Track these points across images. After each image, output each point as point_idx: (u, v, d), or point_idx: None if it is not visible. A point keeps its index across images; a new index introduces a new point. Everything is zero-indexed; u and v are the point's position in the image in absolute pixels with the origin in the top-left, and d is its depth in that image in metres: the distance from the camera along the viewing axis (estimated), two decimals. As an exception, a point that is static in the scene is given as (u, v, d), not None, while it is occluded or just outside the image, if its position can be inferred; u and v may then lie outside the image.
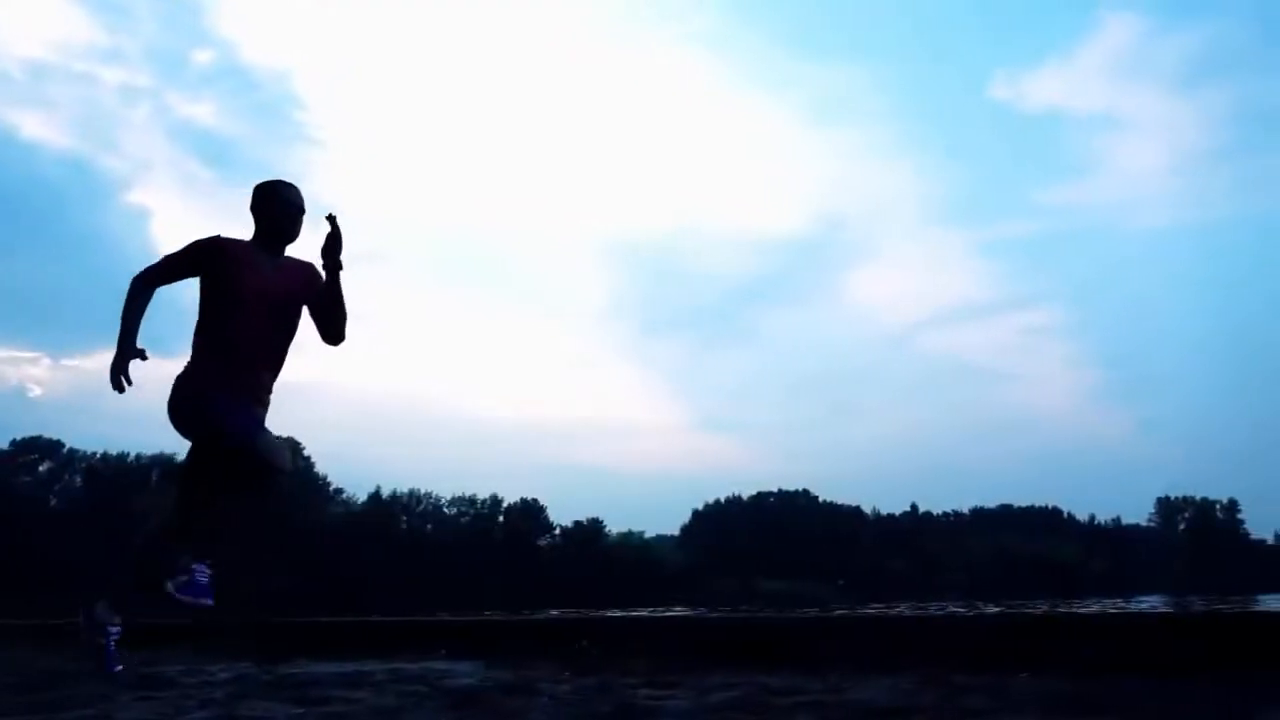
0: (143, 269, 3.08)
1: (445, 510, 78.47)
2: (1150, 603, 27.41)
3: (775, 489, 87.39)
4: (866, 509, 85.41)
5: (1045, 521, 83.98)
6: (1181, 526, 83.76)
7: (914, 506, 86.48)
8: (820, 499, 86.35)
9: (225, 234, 3.12)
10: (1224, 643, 2.07)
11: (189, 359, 3.07)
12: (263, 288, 3.08)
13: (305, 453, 66.27)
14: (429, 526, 75.87)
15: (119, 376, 2.92)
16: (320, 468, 68.31)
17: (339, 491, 70.58)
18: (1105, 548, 78.73)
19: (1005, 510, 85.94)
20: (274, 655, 3.06)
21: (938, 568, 71.74)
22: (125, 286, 3.04)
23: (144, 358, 2.98)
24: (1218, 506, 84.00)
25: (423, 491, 77.00)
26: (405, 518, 74.98)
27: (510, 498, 79.45)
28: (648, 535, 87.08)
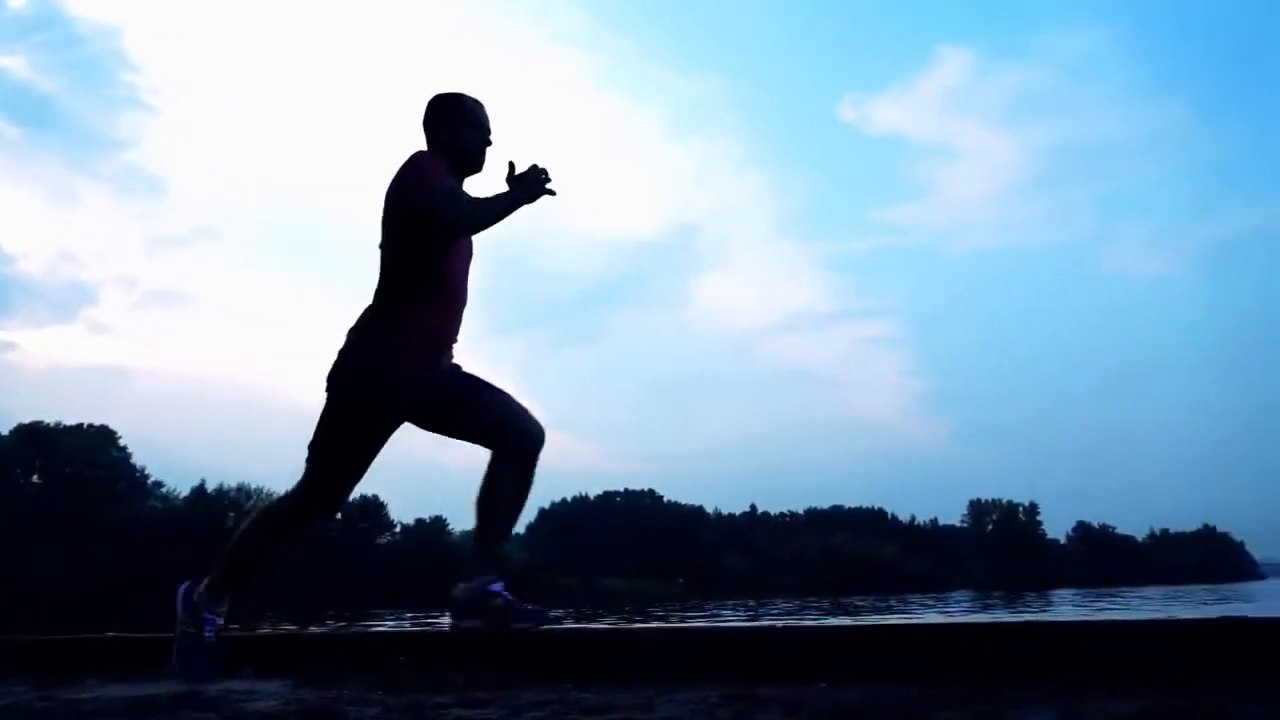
0: (449, 210, 2.33)
1: (277, 506, 74.67)
2: (958, 598, 29.78)
3: (622, 488, 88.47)
4: (709, 509, 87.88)
5: (871, 521, 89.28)
6: (989, 527, 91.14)
7: (753, 507, 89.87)
8: (665, 499, 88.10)
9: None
10: (1007, 651, 2.25)
11: (385, 304, 2.40)
12: None
13: (121, 442, 61.27)
14: (258, 524, 71.86)
15: (536, 182, 2.30)
16: (138, 458, 63.32)
17: (158, 485, 65.64)
18: (923, 547, 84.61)
19: (836, 510, 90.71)
20: (56, 675, 2.81)
21: (772, 566, 74.78)
22: None
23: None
24: (1020, 509, 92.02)
25: (254, 486, 72.96)
26: (233, 514, 70.72)
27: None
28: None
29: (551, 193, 2.28)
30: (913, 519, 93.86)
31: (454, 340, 2.51)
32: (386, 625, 13.35)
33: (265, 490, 73.31)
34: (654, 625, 4.09)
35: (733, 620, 14.00)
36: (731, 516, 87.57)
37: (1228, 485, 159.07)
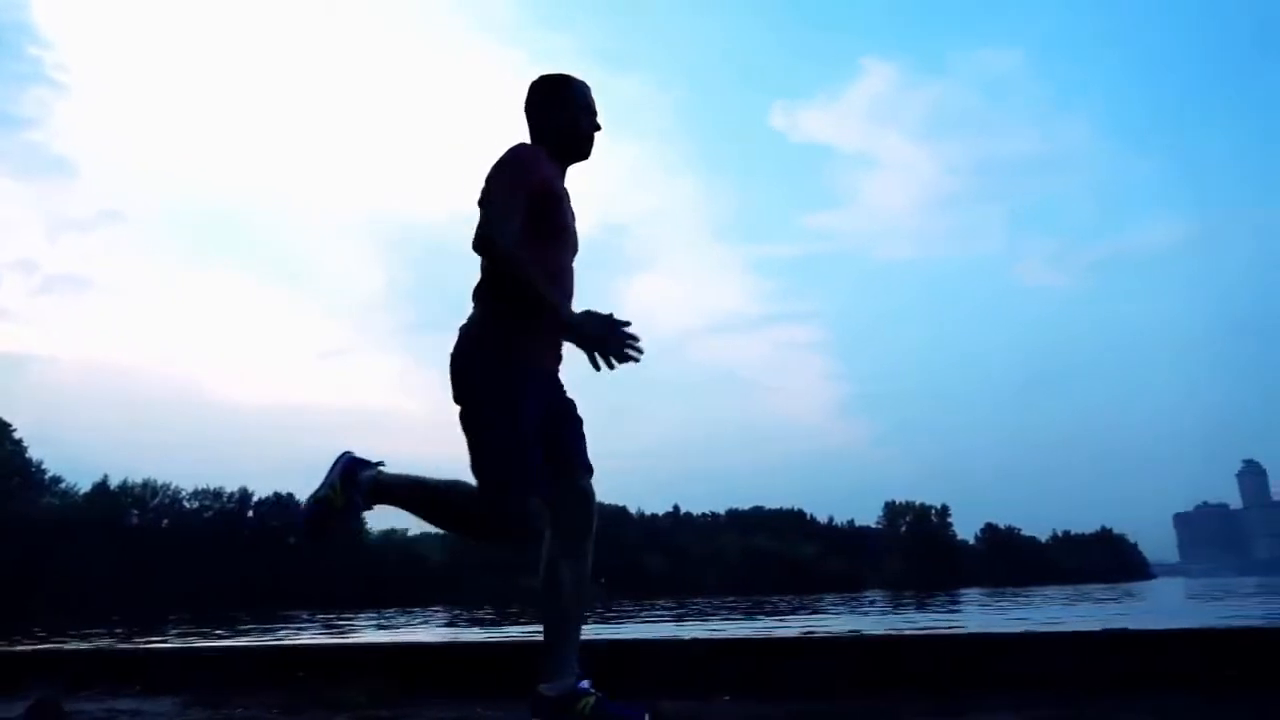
0: (487, 232, 2.06)
1: (186, 504, 71.97)
2: (871, 598, 30.51)
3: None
4: (632, 509, 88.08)
5: (791, 522, 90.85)
6: (903, 528, 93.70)
7: (676, 507, 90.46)
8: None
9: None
10: (914, 663, 2.30)
11: (496, 302, 2.15)
12: (571, 218, 2.32)
13: (16, 435, 58.14)
14: (165, 522, 69.08)
15: (618, 338, 2.02)
16: (34, 452, 60.18)
17: (56, 480, 62.49)
18: (840, 547, 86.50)
19: (757, 512, 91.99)
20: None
21: (694, 566, 75.40)
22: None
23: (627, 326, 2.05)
24: (933, 511, 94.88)
25: (159, 482, 70.26)
26: (137, 511, 67.81)
27: (262, 491, 74.27)
28: (411, 533, 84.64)
29: (610, 363, 2.03)
30: (831, 520, 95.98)
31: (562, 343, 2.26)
32: (294, 632, 12.99)
33: (173, 487, 70.54)
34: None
35: (655, 623, 14.06)
36: (655, 517, 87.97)
37: (1123, 491, 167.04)
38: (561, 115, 2.29)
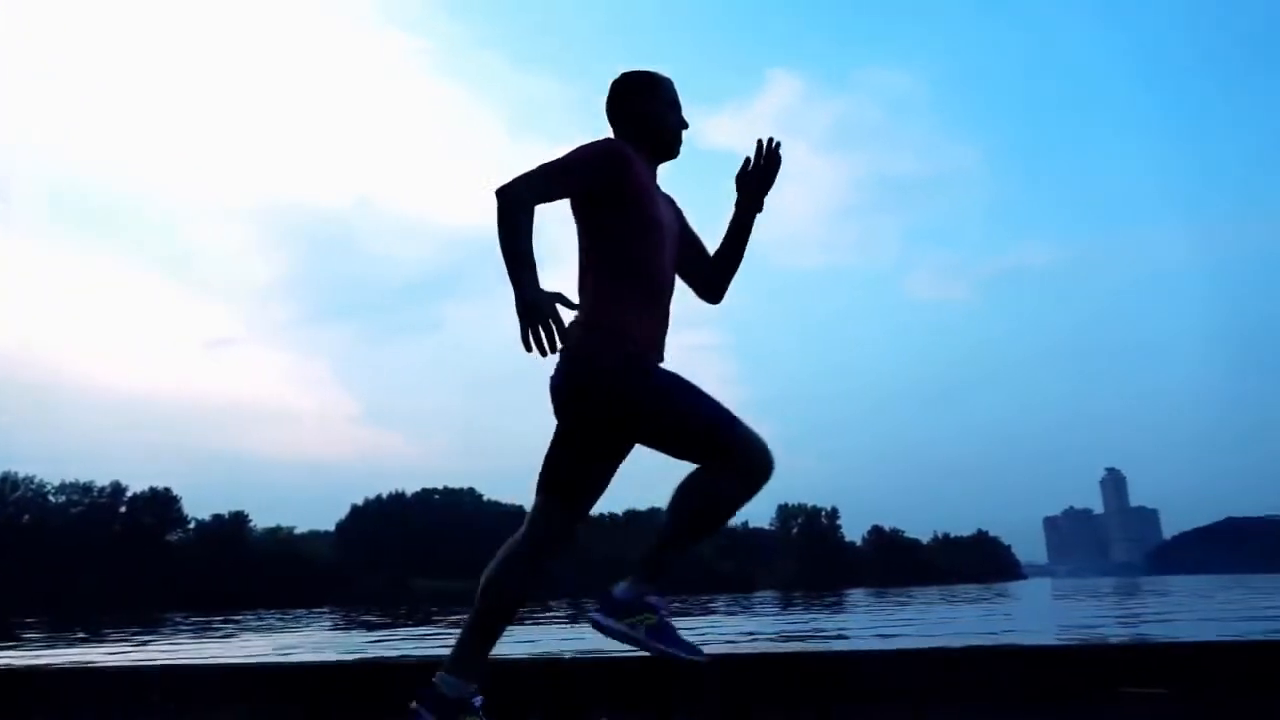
0: (512, 180, 2.00)
1: (51, 499, 67.50)
2: (761, 598, 31.16)
3: (441, 486, 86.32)
4: (529, 508, 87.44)
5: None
6: (795, 530, 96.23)
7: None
8: (485, 497, 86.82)
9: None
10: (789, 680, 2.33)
11: (592, 302, 2.09)
12: (663, 215, 2.22)
13: None
14: (26, 517, 64.53)
15: (539, 331, 1.88)
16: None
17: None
18: (734, 548, 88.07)
19: (654, 512, 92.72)
20: None
21: (591, 566, 75.35)
22: None
23: (568, 304, 1.97)
24: (823, 513, 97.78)
25: (21, 475, 65.69)
26: (-7, 507, 63.24)
27: (136, 486, 70.34)
28: (299, 531, 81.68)
29: (529, 347, 1.92)
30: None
31: (664, 340, 2.20)
32: (160, 638, 12.35)
33: (37, 480, 65.94)
34: (403, 655, 3.91)
35: (550, 625, 13.96)
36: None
37: (999, 495, 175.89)
38: (649, 112, 2.23)
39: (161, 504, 70.64)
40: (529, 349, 1.87)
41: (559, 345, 1.88)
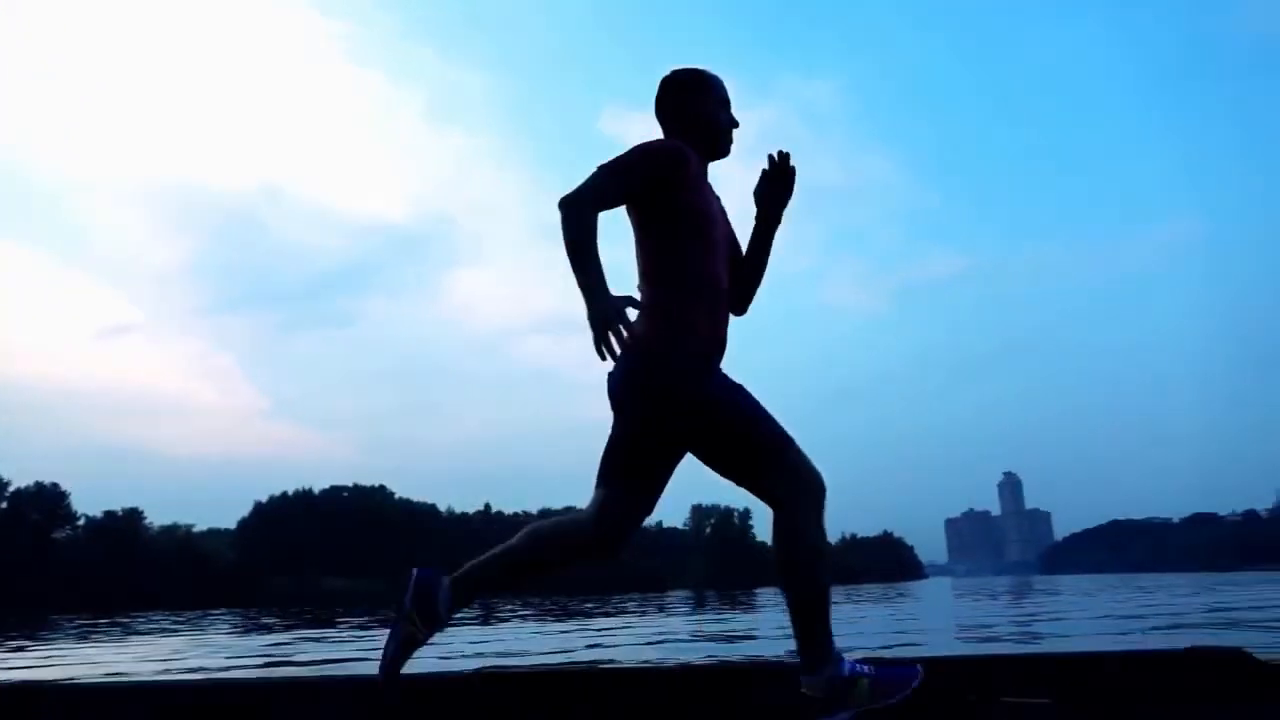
0: (576, 190, 1.95)
1: (-79, 493, 63.17)
2: (674, 598, 31.40)
3: (351, 484, 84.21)
4: (441, 507, 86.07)
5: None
6: (708, 530, 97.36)
7: (487, 506, 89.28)
8: (397, 495, 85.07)
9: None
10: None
11: (664, 300, 2.02)
12: (718, 215, 2.16)
13: None
14: (-108, 512, 60.29)
15: (610, 339, 1.83)
16: None
17: None
18: (649, 548, 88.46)
19: (568, 511, 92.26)
20: None
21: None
22: None
23: (637, 306, 1.93)
24: (736, 514, 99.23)
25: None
26: None
27: (20, 481, 66.40)
28: (198, 529, 78.45)
29: (603, 354, 1.89)
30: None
31: (726, 340, 2.15)
32: (37, 645, 11.68)
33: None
34: (290, 674, 3.77)
35: (464, 628, 13.74)
36: (465, 515, 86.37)
37: (904, 497, 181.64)
38: (701, 110, 2.19)
39: (48, 500, 66.88)
40: (603, 358, 1.85)
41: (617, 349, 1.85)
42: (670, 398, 1.96)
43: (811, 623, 1.92)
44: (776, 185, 2.26)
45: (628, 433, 2.03)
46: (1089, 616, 9.80)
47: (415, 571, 2.11)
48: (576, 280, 1.90)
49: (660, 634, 9.73)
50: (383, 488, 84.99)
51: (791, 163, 2.23)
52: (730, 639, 8.39)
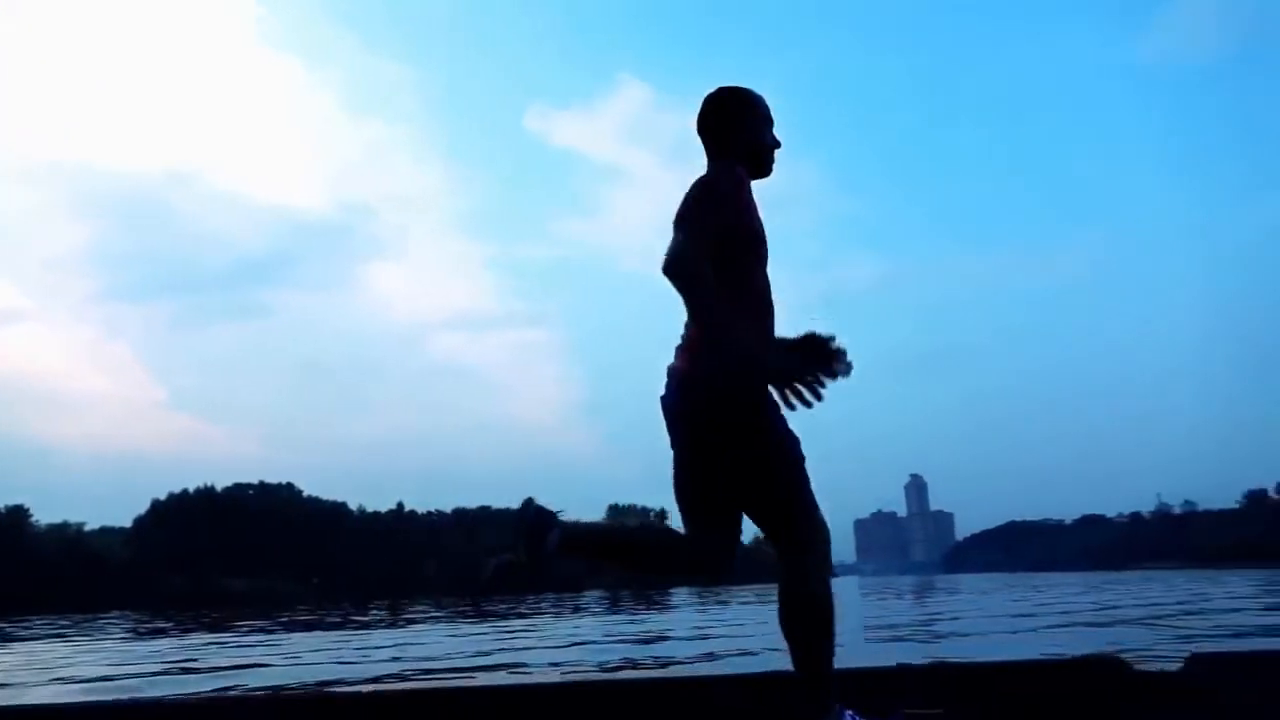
0: (679, 256, 1.91)
1: None
2: (588, 598, 31.35)
3: (256, 481, 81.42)
4: (352, 505, 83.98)
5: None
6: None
7: (400, 505, 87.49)
8: (305, 493, 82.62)
9: None
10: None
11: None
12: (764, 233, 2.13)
13: None
14: None
15: (800, 390, 1.84)
16: None
17: None
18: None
19: (484, 511, 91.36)
20: None
21: (417, 566, 73.40)
22: None
23: (795, 345, 1.96)
24: (653, 515, 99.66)
25: None
26: None
27: (-113, 475, 61.86)
28: (90, 527, 74.58)
29: (807, 400, 1.87)
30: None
31: None
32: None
33: None
34: (177, 698, 3.64)
35: (372, 630, 13.42)
36: (377, 514, 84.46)
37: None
38: (748, 130, 2.16)
39: (-81, 496, 62.55)
40: (806, 405, 1.86)
41: (817, 393, 1.86)
42: (739, 430, 1.96)
43: (807, 675, 1.93)
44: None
45: (696, 460, 2.02)
46: (985, 615, 10.24)
47: (533, 505, 2.06)
48: (724, 352, 1.92)
49: (571, 638, 9.74)
50: (290, 485, 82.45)
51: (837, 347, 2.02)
52: (645, 641, 8.46)
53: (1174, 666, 2.22)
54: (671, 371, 2.05)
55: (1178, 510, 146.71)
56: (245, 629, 13.95)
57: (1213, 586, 19.25)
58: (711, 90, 2.22)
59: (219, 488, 78.67)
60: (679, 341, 2.07)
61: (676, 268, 1.91)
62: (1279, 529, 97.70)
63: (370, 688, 2.32)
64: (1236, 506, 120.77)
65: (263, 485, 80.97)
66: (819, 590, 1.95)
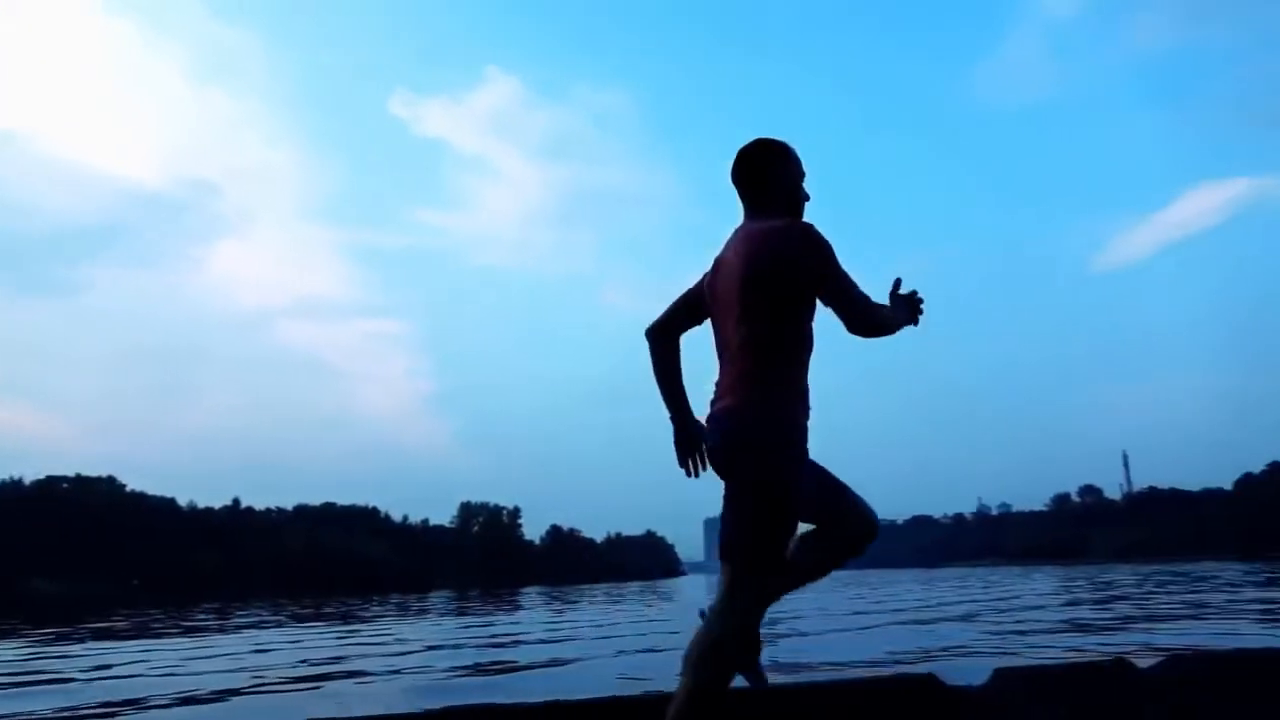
0: (862, 321, 2.16)
1: None
2: (436, 598, 30.68)
3: (72, 474, 74.77)
4: (182, 501, 78.64)
5: (363, 520, 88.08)
6: (476, 529, 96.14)
7: (236, 501, 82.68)
8: (128, 488, 76.61)
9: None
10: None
11: (778, 374, 2.08)
12: None
13: None
14: None
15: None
16: None
17: None
18: (413, 546, 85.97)
19: (328, 508, 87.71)
20: None
21: (253, 565, 69.47)
22: None
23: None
24: (505, 512, 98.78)
25: None
26: None
27: None
28: None
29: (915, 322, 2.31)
30: (405, 518, 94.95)
31: None
32: None
33: None
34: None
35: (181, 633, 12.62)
36: (210, 510, 79.40)
37: (668, 497, 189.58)
38: (789, 181, 2.26)
39: None
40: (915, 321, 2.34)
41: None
42: (798, 457, 2.08)
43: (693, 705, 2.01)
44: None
45: (763, 494, 2.05)
46: (824, 614, 10.78)
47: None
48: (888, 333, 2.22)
49: (421, 641, 9.55)
50: (111, 479, 76.17)
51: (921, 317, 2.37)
52: (497, 644, 8.40)
53: (980, 680, 2.39)
54: (729, 412, 2.09)
55: (995, 512, 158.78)
56: (41, 637, 12.83)
57: (1023, 582, 21.03)
58: (753, 142, 2.27)
59: (28, 480, 71.84)
60: (724, 387, 2.14)
61: (874, 325, 2.16)
62: (1080, 530, 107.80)
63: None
64: (1044, 509, 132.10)
65: (80, 478, 74.48)
66: (725, 629, 2.01)
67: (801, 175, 2.29)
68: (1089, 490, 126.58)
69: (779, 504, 2.01)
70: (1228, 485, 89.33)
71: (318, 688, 5.29)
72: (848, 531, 2.19)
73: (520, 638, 9.29)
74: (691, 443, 2.24)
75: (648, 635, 8.66)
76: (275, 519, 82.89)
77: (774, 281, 2.07)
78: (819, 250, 2.08)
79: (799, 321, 2.12)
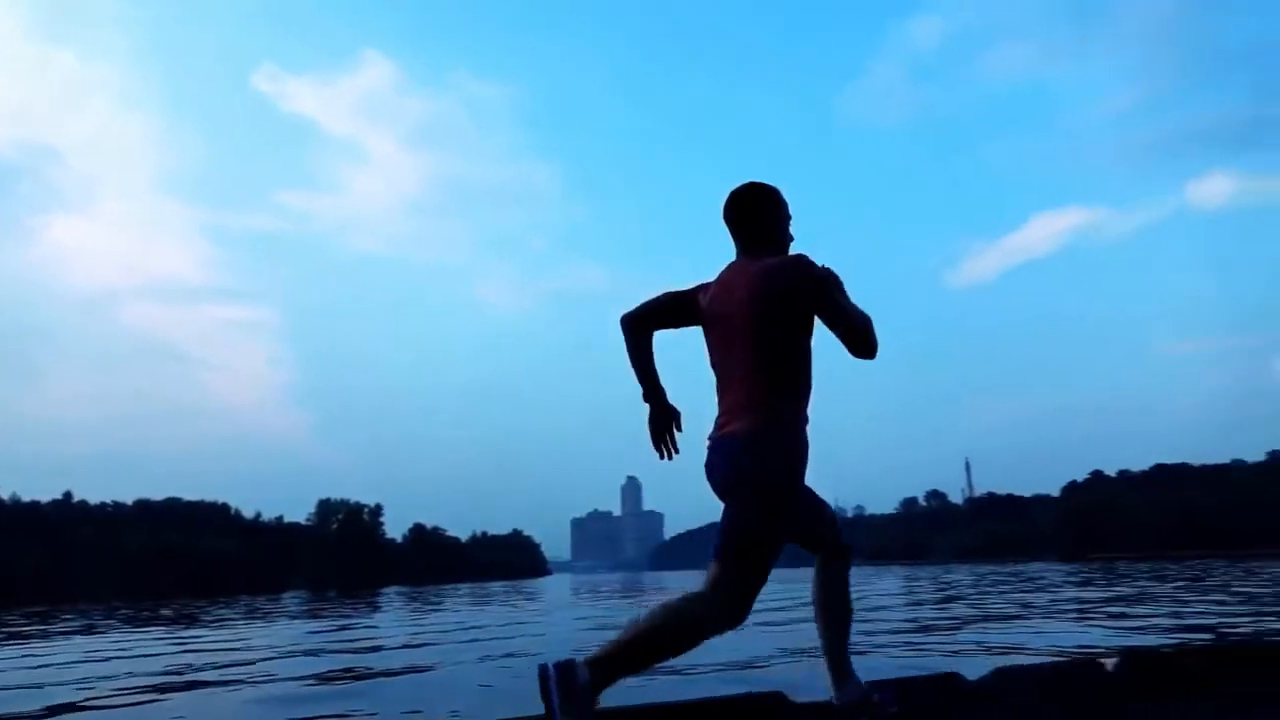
0: (871, 344, 2.24)
1: None
2: (289, 599, 29.38)
3: None
4: (5, 494, 72.05)
5: (213, 516, 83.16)
6: (335, 526, 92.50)
7: (68, 494, 76.47)
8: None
9: None
10: None
11: (783, 399, 2.21)
12: None
13: None
14: None
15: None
16: None
17: None
18: (266, 544, 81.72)
19: (174, 503, 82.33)
20: None
21: (86, 566, 64.27)
22: None
23: None
24: (366, 510, 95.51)
25: None
26: None
27: None
28: None
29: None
30: (259, 515, 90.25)
31: None
32: None
33: None
34: None
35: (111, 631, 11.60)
36: (36, 505, 73.02)
37: (535, 496, 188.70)
38: (779, 224, 2.39)
39: None
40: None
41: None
42: (799, 478, 2.23)
43: (834, 653, 2.42)
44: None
45: (768, 514, 2.18)
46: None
47: (546, 666, 2.01)
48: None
49: (249, 648, 9.17)
50: (-81, 469, 68.91)
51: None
52: (353, 650, 8.15)
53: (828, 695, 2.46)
54: (738, 438, 2.19)
55: (850, 513, 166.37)
56: None
57: (872, 582, 22.15)
58: (746, 185, 2.41)
59: None
60: (731, 410, 2.24)
61: (872, 343, 2.24)
62: (926, 531, 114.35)
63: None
64: (894, 512, 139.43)
65: (-121, 467, 66.96)
66: (686, 622, 2.12)
67: (788, 218, 2.44)
68: (935, 495, 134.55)
69: (774, 532, 2.17)
70: (1055, 491, 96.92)
71: (156, 701, 4.98)
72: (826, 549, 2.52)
73: (379, 642, 9.05)
74: (667, 424, 2.34)
75: (514, 639, 8.60)
76: (112, 514, 77.14)
77: (783, 311, 2.20)
78: (824, 279, 2.22)
79: (805, 351, 2.27)
